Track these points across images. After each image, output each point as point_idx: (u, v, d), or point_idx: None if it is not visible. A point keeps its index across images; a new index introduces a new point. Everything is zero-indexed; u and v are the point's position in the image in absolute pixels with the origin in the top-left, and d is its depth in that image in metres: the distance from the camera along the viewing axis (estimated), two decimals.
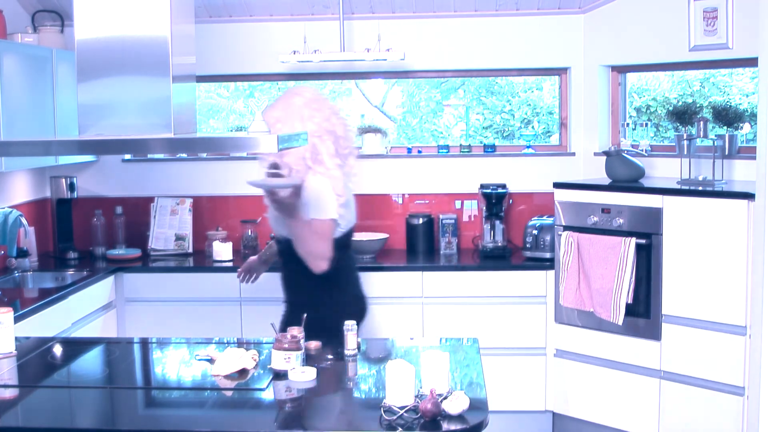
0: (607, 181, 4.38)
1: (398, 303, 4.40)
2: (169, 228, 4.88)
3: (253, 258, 3.65)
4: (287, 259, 3.21)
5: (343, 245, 3.19)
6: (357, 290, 3.30)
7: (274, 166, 2.96)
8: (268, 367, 2.61)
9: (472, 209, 4.92)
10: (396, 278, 4.41)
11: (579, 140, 4.88)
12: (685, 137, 4.25)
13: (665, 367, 3.97)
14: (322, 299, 3.13)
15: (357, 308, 3.23)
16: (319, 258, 3.02)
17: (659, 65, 4.72)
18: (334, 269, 3.08)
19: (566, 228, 4.25)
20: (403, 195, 4.97)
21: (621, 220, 4.07)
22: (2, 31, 4.21)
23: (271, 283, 4.42)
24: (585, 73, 4.83)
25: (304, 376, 2.53)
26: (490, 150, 4.98)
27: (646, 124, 4.68)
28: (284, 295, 3.32)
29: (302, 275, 3.11)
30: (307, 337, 2.75)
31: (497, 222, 4.70)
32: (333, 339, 2.86)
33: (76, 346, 3.11)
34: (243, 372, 2.60)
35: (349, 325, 2.79)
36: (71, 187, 4.84)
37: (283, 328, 3.00)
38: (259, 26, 4.88)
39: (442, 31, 4.86)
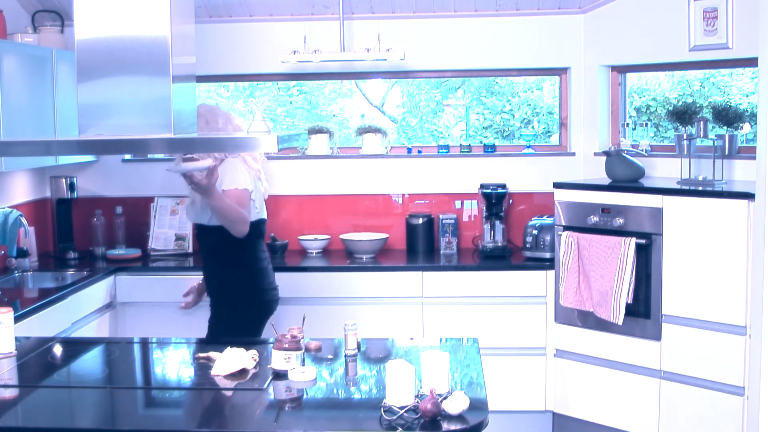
0: (607, 181, 4.38)
1: (398, 303, 4.39)
2: (169, 228, 4.88)
3: (196, 285, 3.88)
4: (201, 247, 3.65)
5: (256, 234, 3.55)
6: (267, 280, 3.64)
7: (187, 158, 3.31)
8: (268, 367, 2.61)
9: (472, 209, 4.92)
10: (396, 278, 4.41)
11: (579, 140, 4.88)
12: (685, 137, 4.25)
13: (665, 367, 3.97)
14: (234, 287, 3.55)
15: (267, 298, 3.62)
16: (239, 222, 3.40)
17: (659, 65, 4.72)
18: (246, 258, 3.54)
19: (566, 228, 4.25)
20: (403, 195, 4.97)
21: (621, 220, 4.07)
22: (2, 31, 4.21)
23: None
24: (585, 73, 4.83)
25: (304, 376, 2.53)
26: (490, 150, 4.98)
27: (646, 124, 4.68)
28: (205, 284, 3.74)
29: (217, 261, 3.57)
30: (221, 322, 3.44)
31: (497, 222, 4.70)
32: (244, 328, 3.44)
33: (76, 346, 3.11)
34: (243, 372, 2.60)
35: (349, 325, 2.79)
36: (71, 187, 4.84)
37: (211, 322, 3.62)
38: (259, 26, 4.88)
39: (442, 31, 4.86)
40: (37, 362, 2.81)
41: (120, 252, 4.77)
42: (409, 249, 4.83)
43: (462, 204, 4.93)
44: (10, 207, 4.45)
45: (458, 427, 2.18)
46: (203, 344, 3.03)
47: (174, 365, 2.86)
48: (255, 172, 3.60)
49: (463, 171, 4.91)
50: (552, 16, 4.80)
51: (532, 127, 5.93)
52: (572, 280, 4.17)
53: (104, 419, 2.42)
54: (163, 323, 4.40)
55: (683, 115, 4.57)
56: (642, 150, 4.52)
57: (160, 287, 4.43)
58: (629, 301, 3.98)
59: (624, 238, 4.00)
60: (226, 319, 3.56)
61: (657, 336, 3.98)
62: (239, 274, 3.56)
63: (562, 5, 4.75)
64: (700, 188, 3.95)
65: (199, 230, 3.61)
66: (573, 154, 4.90)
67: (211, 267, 3.62)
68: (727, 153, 4.21)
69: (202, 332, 4.20)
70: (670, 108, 4.81)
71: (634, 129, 4.69)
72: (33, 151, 3.10)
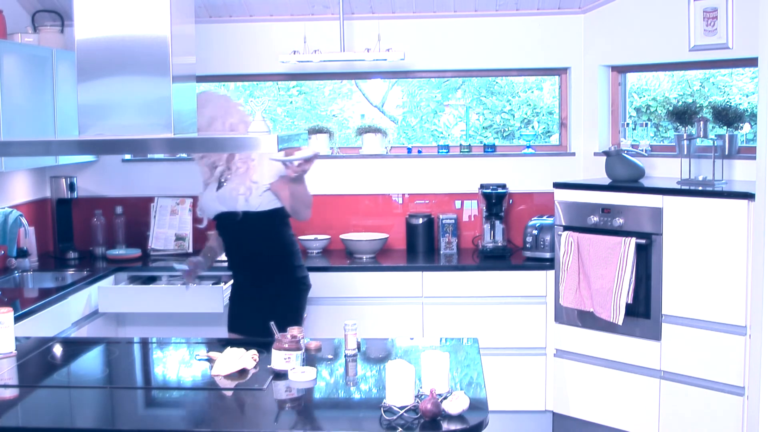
0: (607, 181, 4.38)
1: (398, 303, 4.39)
2: (169, 228, 4.88)
3: (198, 259, 3.80)
4: (245, 234, 3.53)
5: (288, 216, 3.59)
6: (301, 268, 3.64)
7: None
8: (268, 367, 2.61)
9: (472, 209, 4.92)
10: (396, 278, 4.41)
11: (579, 140, 4.88)
12: (685, 137, 4.25)
13: (665, 367, 3.97)
14: (287, 266, 3.56)
15: (306, 273, 3.65)
16: (310, 207, 3.53)
17: (659, 65, 4.72)
18: (291, 239, 3.60)
19: (566, 228, 4.25)
20: (403, 195, 4.97)
21: (621, 220, 4.07)
22: (2, 31, 4.21)
23: None
24: (585, 73, 4.83)
25: (304, 376, 2.53)
26: (490, 150, 4.98)
27: (646, 124, 4.68)
28: (235, 273, 3.66)
29: (268, 244, 3.53)
30: (272, 304, 3.38)
31: (497, 222, 4.70)
32: (295, 306, 3.50)
33: (76, 346, 3.11)
34: (243, 372, 2.60)
35: (349, 325, 2.79)
36: (71, 187, 4.84)
37: (234, 308, 3.58)
38: (259, 26, 4.88)
39: (442, 31, 4.86)
40: (37, 362, 2.81)
41: (120, 252, 4.77)
42: (409, 249, 4.83)
43: (462, 204, 4.93)
44: (10, 207, 4.45)
45: (458, 427, 2.18)
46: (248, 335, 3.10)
47: (174, 365, 2.86)
48: None
49: (463, 171, 4.91)
50: (552, 16, 4.80)
51: (532, 127, 5.93)
52: (572, 280, 4.17)
53: (104, 419, 2.42)
54: (163, 323, 4.40)
55: (683, 115, 4.57)
56: (642, 150, 4.52)
57: (150, 294, 4.38)
58: (629, 301, 3.98)
59: (624, 238, 4.00)
60: (282, 300, 3.52)
61: (657, 336, 3.98)
62: (288, 252, 3.59)
63: (562, 5, 4.75)
64: (700, 188, 3.95)
65: (245, 218, 3.50)
66: (573, 154, 4.90)
67: (261, 251, 3.54)
68: (727, 153, 4.21)
69: (202, 332, 4.21)
70: (670, 108, 4.81)
71: (634, 129, 4.69)
72: (33, 151, 3.10)
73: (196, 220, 3.87)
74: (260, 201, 3.46)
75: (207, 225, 3.70)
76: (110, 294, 4.23)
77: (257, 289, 3.52)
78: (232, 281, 3.73)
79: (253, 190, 3.45)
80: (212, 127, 3.41)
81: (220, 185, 3.52)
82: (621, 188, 4.15)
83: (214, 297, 4.11)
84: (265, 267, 3.53)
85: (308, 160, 3.25)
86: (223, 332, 4.32)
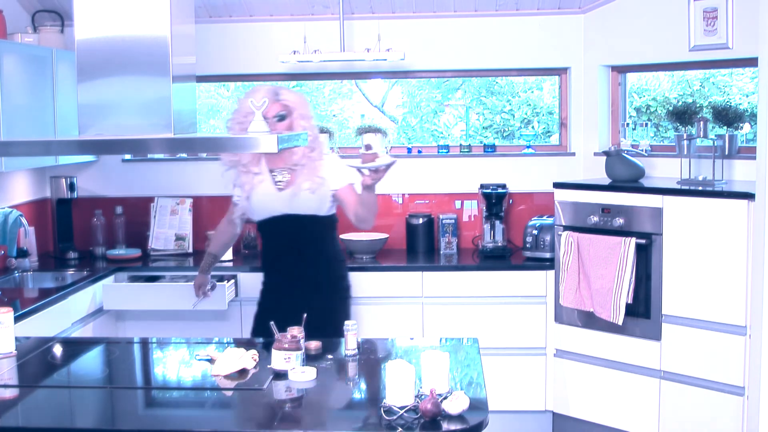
0: (607, 181, 4.38)
1: (398, 303, 4.39)
2: (169, 228, 4.88)
3: (199, 278, 3.78)
4: (299, 239, 3.44)
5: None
6: (347, 277, 3.59)
7: (369, 147, 3.33)
8: (268, 367, 2.61)
9: (472, 209, 4.92)
10: (396, 278, 4.41)
11: (579, 140, 4.88)
12: (685, 137, 4.25)
13: (665, 367, 3.97)
14: (339, 274, 3.53)
15: (349, 295, 3.57)
16: (376, 215, 3.41)
17: (659, 65, 4.72)
18: (339, 246, 3.56)
19: (566, 228, 4.25)
20: (403, 195, 4.97)
21: (621, 220, 4.07)
22: (2, 31, 4.21)
23: None
24: (585, 73, 4.83)
25: (304, 376, 2.53)
26: (490, 150, 4.98)
27: (646, 124, 4.68)
28: (272, 276, 3.54)
29: (323, 251, 3.47)
30: (321, 312, 3.17)
31: (497, 222, 4.70)
32: (342, 313, 3.37)
33: (76, 346, 3.11)
34: (243, 372, 2.60)
35: (349, 325, 2.79)
36: (71, 187, 4.84)
37: (268, 313, 3.25)
38: (259, 26, 4.88)
39: (442, 31, 4.86)
40: (37, 362, 2.81)
41: (120, 252, 4.78)
42: (409, 249, 4.83)
43: (462, 204, 4.93)
44: (10, 207, 4.45)
45: (458, 427, 2.18)
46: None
47: (174, 365, 2.86)
48: None
49: (463, 171, 4.91)
50: (552, 16, 4.80)
51: (532, 127, 5.92)
52: (572, 280, 4.17)
53: (104, 419, 2.42)
54: (162, 323, 4.40)
55: (683, 115, 4.57)
56: (642, 150, 4.52)
57: (155, 292, 4.41)
58: (629, 301, 3.98)
59: (624, 238, 4.00)
60: (328, 311, 3.38)
61: (657, 336, 3.98)
62: (339, 259, 3.56)
63: (562, 5, 4.75)
64: (700, 188, 3.95)
65: (301, 221, 3.42)
66: (573, 154, 4.90)
67: (313, 257, 3.46)
68: (727, 153, 4.21)
69: (202, 332, 4.21)
70: (670, 108, 4.81)
71: (634, 129, 4.69)
72: (33, 151, 3.10)
73: (225, 222, 3.69)
74: (320, 204, 3.40)
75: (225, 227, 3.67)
76: (115, 291, 4.27)
77: (302, 297, 3.39)
78: (262, 285, 3.59)
79: (319, 186, 3.36)
80: (286, 121, 3.36)
81: (276, 185, 3.41)
82: (621, 188, 4.15)
83: (218, 295, 4.13)
84: (315, 275, 3.44)
85: (387, 168, 3.13)
86: (226, 330, 4.33)
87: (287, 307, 3.29)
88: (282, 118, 3.37)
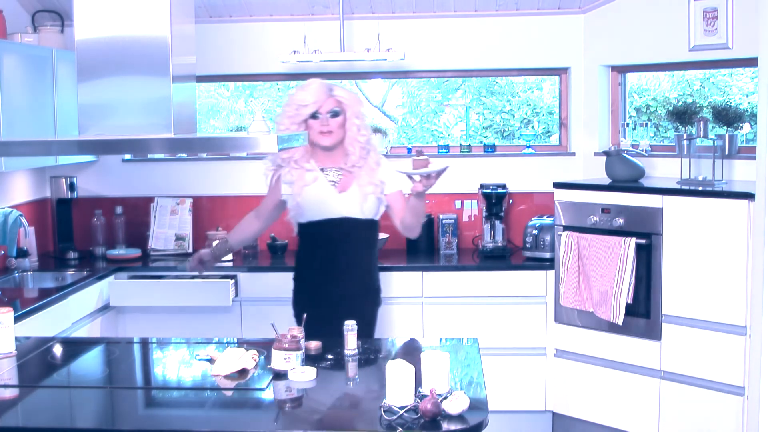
0: (607, 181, 4.38)
1: (398, 303, 4.39)
2: (169, 228, 4.88)
3: (205, 251, 3.58)
4: (350, 243, 3.34)
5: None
6: (379, 285, 3.52)
7: (421, 152, 3.12)
8: (268, 367, 2.61)
9: (472, 209, 4.92)
10: (396, 278, 4.41)
11: (579, 140, 4.88)
12: (685, 137, 4.25)
13: (665, 367, 3.97)
14: (356, 288, 3.38)
15: (379, 300, 3.52)
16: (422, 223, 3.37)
17: (659, 65, 4.72)
18: (375, 258, 3.47)
19: (566, 228, 4.25)
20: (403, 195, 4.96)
21: (621, 220, 4.07)
22: (2, 31, 4.21)
23: (270, 282, 4.43)
24: (585, 73, 4.83)
25: (304, 376, 2.53)
26: (490, 150, 4.98)
27: (646, 124, 4.68)
28: (305, 277, 3.43)
29: (371, 256, 3.41)
30: (366, 317, 3.25)
31: (497, 222, 4.70)
32: (374, 319, 3.40)
33: (76, 346, 3.11)
34: (243, 372, 2.60)
35: (349, 325, 2.79)
36: (71, 187, 4.84)
37: (315, 322, 2.92)
38: (259, 26, 4.88)
39: (442, 31, 4.86)
40: (37, 362, 2.81)
41: (120, 252, 4.77)
42: (409, 249, 4.82)
43: (462, 204, 4.93)
44: (10, 207, 4.45)
45: (458, 427, 2.18)
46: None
47: (174, 365, 2.86)
48: None
49: (463, 171, 4.91)
50: (552, 16, 4.80)
51: (532, 127, 5.92)
52: (572, 280, 4.17)
53: (104, 419, 2.42)
54: (162, 323, 4.40)
55: (683, 115, 4.57)
56: (642, 150, 4.52)
57: (160, 289, 4.43)
58: (629, 301, 3.98)
59: (624, 238, 4.00)
60: (361, 315, 3.11)
61: (657, 336, 3.98)
62: (376, 267, 3.48)
63: (562, 5, 4.74)
64: (700, 188, 3.95)
65: (355, 225, 3.31)
66: (573, 154, 4.90)
67: (355, 262, 3.36)
68: (727, 153, 4.21)
69: (202, 332, 4.20)
70: (670, 108, 4.81)
71: (634, 129, 4.69)
72: (33, 151, 3.10)
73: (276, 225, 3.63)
74: (377, 209, 3.33)
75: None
76: (122, 288, 4.32)
77: (338, 301, 3.29)
78: (293, 284, 3.50)
79: (380, 190, 3.28)
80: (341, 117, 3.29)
81: (332, 185, 3.32)
82: (621, 188, 4.15)
83: (222, 291, 4.19)
84: (354, 280, 3.35)
85: (439, 175, 3.02)
86: (226, 330, 4.33)
87: (322, 309, 3.18)
88: (336, 114, 3.28)
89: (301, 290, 3.47)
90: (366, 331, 3.21)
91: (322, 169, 3.34)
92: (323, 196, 3.30)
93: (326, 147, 3.31)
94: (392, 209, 3.34)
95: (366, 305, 3.39)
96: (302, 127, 3.30)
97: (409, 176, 3.07)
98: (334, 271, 3.35)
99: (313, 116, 3.29)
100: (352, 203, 3.29)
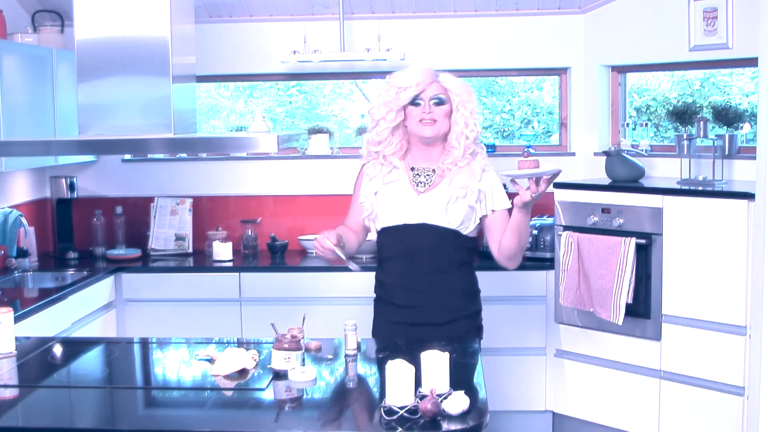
0: (607, 181, 4.38)
1: None
2: (169, 228, 4.88)
3: (334, 235, 2.84)
4: (445, 258, 2.87)
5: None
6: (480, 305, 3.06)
7: (528, 152, 2.71)
8: (268, 367, 2.61)
9: None
10: None
11: (579, 140, 4.88)
12: (685, 137, 4.25)
13: (665, 367, 3.97)
14: (452, 314, 2.91)
15: (481, 331, 3.05)
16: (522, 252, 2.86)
17: (659, 65, 4.72)
18: (474, 279, 3.01)
19: (566, 228, 4.25)
20: None
21: (621, 220, 4.07)
22: (2, 31, 4.21)
23: (270, 282, 4.43)
24: (585, 73, 4.83)
25: (304, 376, 2.53)
26: (490, 150, 4.97)
27: (646, 124, 4.68)
28: (387, 286, 2.96)
29: (468, 276, 2.95)
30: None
31: None
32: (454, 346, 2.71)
33: (76, 346, 3.11)
34: (243, 372, 2.60)
35: (349, 324, 2.79)
36: (71, 187, 4.84)
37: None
38: (259, 26, 4.88)
39: (442, 31, 4.86)
40: (37, 362, 2.81)
41: (120, 252, 4.78)
42: None
43: None
44: (10, 207, 4.45)
45: (458, 427, 2.18)
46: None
47: (174, 365, 2.86)
48: None
49: None
50: (552, 16, 4.80)
51: (532, 127, 5.92)
52: (572, 280, 4.17)
53: (104, 419, 2.42)
54: (163, 323, 4.40)
55: (683, 115, 4.57)
56: (642, 150, 4.52)
57: (160, 287, 4.44)
58: (629, 301, 3.98)
59: (624, 238, 4.00)
60: (458, 343, 2.79)
61: (657, 336, 3.98)
62: (476, 291, 3.06)
63: (562, 5, 4.75)
64: (700, 188, 3.95)
65: (437, 233, 2.84)
66: (573, 154, 4.90)
67: (452, 281, 2.92)
68: (727, 153, 4.21)
69: (203, 332, 4.20)
70: (670, 108, 4.81)
71: (634, 129, 4.69)
72: (33, 151, 3.11)
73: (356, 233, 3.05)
74: (468, 219, 2.84)
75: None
76: (135, 282, 4.42)
77: (431, 326, 2.88)
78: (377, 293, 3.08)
79: (471, 196, 2.78)
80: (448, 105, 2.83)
81: (416, 187, 2.86)
82: (621, 188, 4.15)
83: (231, 284, 4.34)
84: (432, 304, 2.88)
85: (552, 179, 2.59)
86: (226, 329, 4.33)
87: (406, 327, 2.86)
88: (440, 101, 2.82)
89: (378, 312, 3.03)
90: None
91: (412, 168, 2.89)
92: (401, 197, 2.84)
93: (426, 139, 2.84)
94: (491, 231, 2.85)
95: (461, 336, 2.85)
96: (400, 115, 2.84)
97: (513, 180, 2.64)
98: (410, 292, 2.89)
99: (414, 103, 2.82)
100: (434, 207, 2.81)
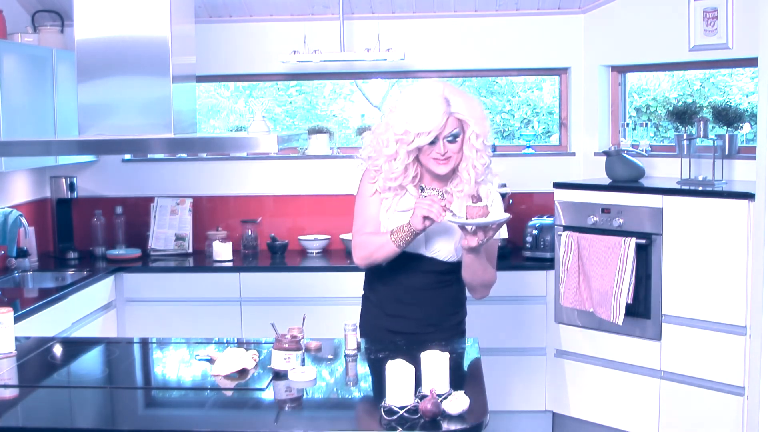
0: (607, 181, 4.38)
1: None
2: (169, 228, 4.88)
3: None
4: (439, 284, 2.86)
5: None
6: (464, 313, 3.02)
7: (479, 198, 2.64)
8: (268, 367, 2.61)
9: None
10: None
11: (579, 140, 4.88)
12: (685, 137, 4.25)
13: (665, 367, 3.97)
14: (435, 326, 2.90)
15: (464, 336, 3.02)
16: (489, 287, 2.83)
17: (659, 65, 4.72)
18: (462, 301, 2.97)
19: (566, 228, 4.25)
20: None
21: (621, 220, 4.07)
22: (2, 31, 4.21)
23: (270, 282, 4.43)
24: (585, 73, 4.83)
25: (304, 376, 2.53)
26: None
27: (646, 124, 4.68)
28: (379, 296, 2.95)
29: (455, 302, 2.93)
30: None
31: None
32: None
33: (76, 346, 3.11)
34: (243, 372, 2.60)
35: (350, 325, 2.79)
36: (71, 187, 4.84)
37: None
38: (259, 26, 4.89)
39: (442, 31, 4.86)
40: (37, 362, 2.81)
41: (120, 252, 4.78)
42: None
43: None
44: (10, 207, 4.45)
45: (458, 427, 2.18)
46: None
47: (174, 365, 2.86)
48: None
49: None
50: (552, 16, 4.80)
51: (532, 127, 5.92)
52: (572, 280, 4.17)
53: (104, 419, 2.42)
54: (163, 323, 4.41)
55: (683, 115, 4.57)
56: (642, 150, 4.52)
57: (160, 287, 4.45)
58: (629, 301, 3.98)
59: (624, 238, 4.00)
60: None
61: (657, 336, 3.98)
62: (462, 301, 3.00)
63: (562, 5, 4.75)
64: (700, 188, 3.95)
65: (451, 265, 2.84)
66: (573, 154, 4.90)
67: (453, 292, 2.92)
68: (727, 153, 4.21)
69: (203, 332, 4.20)
70: (670, 108, 4.81)
71: (634, 129, 4.69)
72: (33, 151, 3.11)
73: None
74: (444, 248, 2.78)
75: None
76: (135, 282, 4.41)
77: (418, 334, 2.87)
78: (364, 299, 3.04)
79: (441, 218, 2.59)
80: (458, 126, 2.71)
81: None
82: (621, 188, 4.15)
83: (231, 284, 4.34)
84: (436, 316, 2.90)
85: (498, 227, 2.55)
86: (226, 329, 4.33)
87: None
88: (455, 137, 2.71)
89: (366, 309, 3.04)
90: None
91: (422, 188, 2.82)
92: (397, 220, 2.76)
93: (440, 176, 2.78)
94: (463, 259, 2.76)
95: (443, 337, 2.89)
96: (414, 153, 2.73)
97: (461, 227, 2.59)
98: (400, 304, 2.90)
99: (431, 142, 2.70)
100: (440, 245, 2.79)
